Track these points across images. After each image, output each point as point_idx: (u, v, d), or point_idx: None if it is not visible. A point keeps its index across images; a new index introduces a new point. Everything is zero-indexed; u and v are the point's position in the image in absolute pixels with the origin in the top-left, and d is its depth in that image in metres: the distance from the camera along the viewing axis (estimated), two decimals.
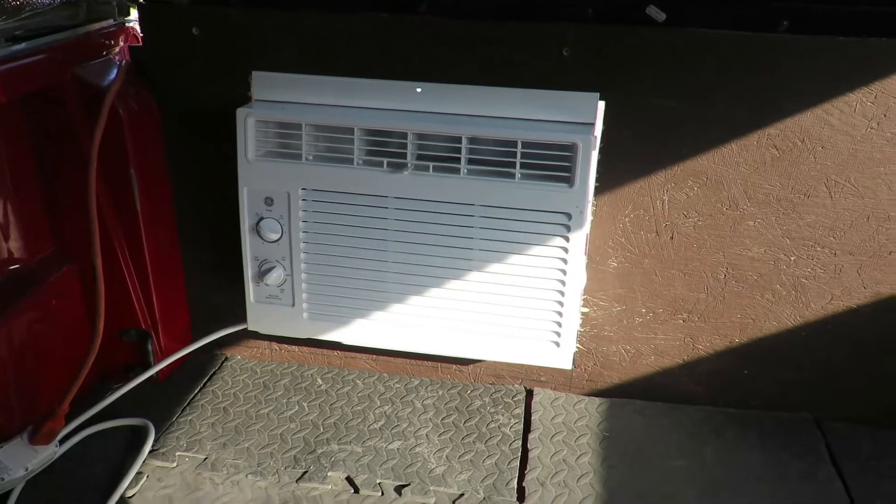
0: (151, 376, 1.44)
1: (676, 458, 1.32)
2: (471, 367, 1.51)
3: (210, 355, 1.57)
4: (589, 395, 1.49)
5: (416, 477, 1.27)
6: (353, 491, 1.24)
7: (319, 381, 1.51)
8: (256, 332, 1.44)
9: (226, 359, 1.57)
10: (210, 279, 1.51)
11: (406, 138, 1.21)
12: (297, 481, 1.25)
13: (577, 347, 1.44)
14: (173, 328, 1.49)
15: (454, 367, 1.52)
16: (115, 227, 1.35)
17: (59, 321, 1.32)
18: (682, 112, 1.24)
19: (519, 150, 1.19)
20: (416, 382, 1.51)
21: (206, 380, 1.50)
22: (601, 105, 1.22)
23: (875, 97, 1.17)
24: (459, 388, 1.49)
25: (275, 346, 1.57)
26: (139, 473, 1.25)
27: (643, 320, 1.42)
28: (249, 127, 1.24)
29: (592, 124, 1.19)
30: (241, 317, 1.40)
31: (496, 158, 1.21)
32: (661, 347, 1.43)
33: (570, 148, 1.17)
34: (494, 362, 1.49)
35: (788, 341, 1.38)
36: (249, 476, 1.26)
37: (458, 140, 1.21)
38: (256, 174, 1.27)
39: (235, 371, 1.53)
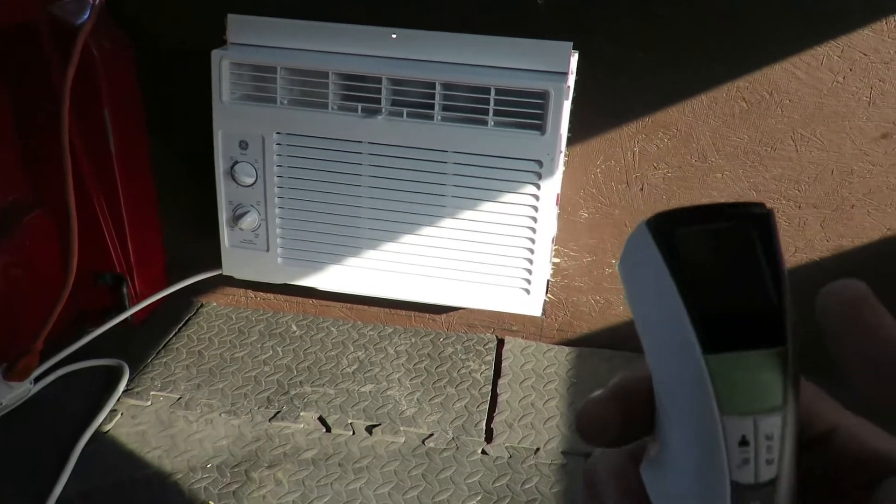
0: (126, 321, 1.45)
1: None
2: (444, 316, 1.54)
3: (185, 301, 1.58)
4: (559, 344, 1.52)
5: (387, 418, 1.30)
6: (324, 430, 1.27)
7: (294, 327, 1.53)
8: (232, 279, 1.45)
9: (201, 305, 1.59)
10: (185, 224, 1.52)
11: (381, 83, 1.22)
12: (269, 420, 1.28)
13: (548, 298, 1.47)
14: (148, 273, 1.50)
15: (427, 316, 1.54)
16: (88, 169, 1.35)
17: (32, 263, 1.33)
18: (655, 63, 1.25)
19: (492, 97, 1.20)
20: (390, 330, 1.53)
21: (181, 325, 1.52)
22: (575, 54, 1.23)
23: (841, 51, 1.19)
24: (432, 336, 1.52)
25: (250, 293, 1.58)
26: (113, 411, 1.27)
27: (613, 271, 1.44)
28: (224, 69, 1.24)
29: (565, 73, 1.20)
30: (217, 263, 1.42)
31: (470, 105, 1.23)
32: None
33: (543, 95, 1.19)
34: (467, 312, 1.52)
35: None
36: (223, 415, 1.28)
37: (433, 86, 1.22)
38: (231, 117, 1.27)
39: (211, 317, 1.55)
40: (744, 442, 0.23)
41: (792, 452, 0.24)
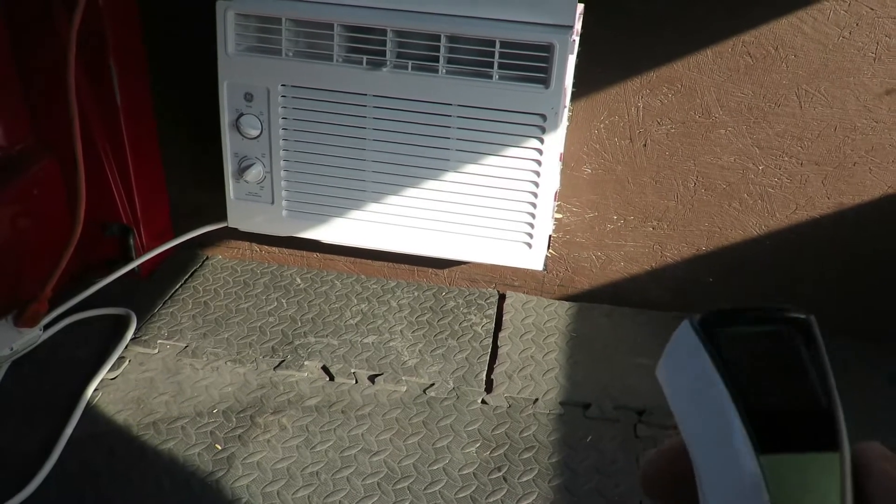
0: (133, 272, 1.47)
1: (639, 357, 1.38)
2: (446, 271, 1.55)
3: (191, 254, 1.60)
4: (559, 299, 1.54)
5: (390, 368, 1.32)
6: (328, 379, 1.30)
7: (298, 280, 1.55)
8: (237, 232, 1.47)
9: (207, 258, 1.60)
10: (191, 177, 1.53)
11: (385, 35, 1.22)
12: (274, 369, 1.30)
13: (550, 253, 1.49)
14: (155, 225, 1.51)
15: (430, 270, 1.56)
16: (95, 120, 1.36)
17: (40, 212, 1.34)
18: (660, 17, 1.25)
19: (497, 49, 1.20)
20: (393, 284, 1.55)
21: (187, 276, 1.54)
22: (580, 7, 1.23)
23: (848, 5, 1.18)
24: (434, 291, 1.54)
25: (255, 246, 1.60)
26: (121, 358, 1.30)
27: (614, 227, 1.46)
28: (229, 20, 1.24)
29: (571, 27, 1.20)
30: (222, 215, 1.43)
31: (475, 58, 1.23)
32: (631, 254, 1.48)
33: (548, 48, 1.19)
34: (469, 267, 1.53)
35: (752, 250, 1.43)
36: (229, 363, 1.31)
37: (438, 38, 1.22)
38: (236, 69, 1.28)
39: (216, 269, 1.57)
40: None
41: None
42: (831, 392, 0.25)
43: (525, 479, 1.12)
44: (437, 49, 1.22)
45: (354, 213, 1.37)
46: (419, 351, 1.37)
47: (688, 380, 0.26)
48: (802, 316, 0.26)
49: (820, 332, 0.26)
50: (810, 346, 0.25)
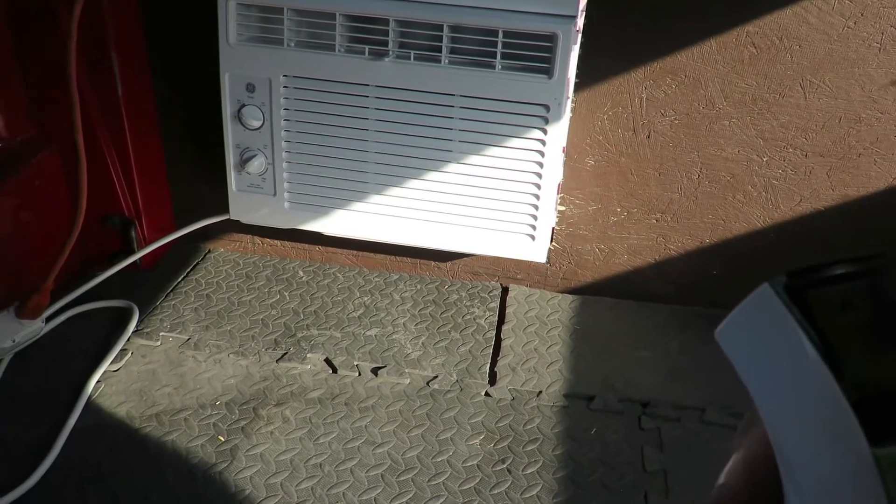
0: (135, 265, 1.47)
1: (642, 350, 1.37)
2: (448, 263, 1.55)
3: (193, 247, 1.59)
4: (563, 292, 1.54)
5: (393, 360, 1.32)
6: (331, 371, 1.29)
7: (301, 273, 1.54)
8: (239, 225, 1.46)
9: (209, 251, 1.60)
10: (192, 169, 1.52)
11: (388, 25, 1.22)
12: (277, 361, 1.30)
13: (553, 246, 1.48)
14: (157, 217, 1.51)
15: (433, 263, 1.55)
16: (96, 113, 1.35)
17: (42, 203, 1.34)
18: (664, 6, 1.24)
19: (500, 39, 1.20)
20: (396, 277, 1.55)
21: (189, 269, 1.53)
22: None
23: None
24: (437, 284, 1.53)
25: (257, 239, 1.59)
26: (123, 350, 1.30)
27: (618, 219, 1.45)
28: (231, 10, 1.24)
29: (574, 16, 1.19)
30: (224, 208, 1.43)
31: (477, 48, 1.22)
32: (634, 247, 1.47)
33: (551, 38, 1.18)
34: (471, 260, 1.53)
35: (756, 242, 1.42)
36: (231, 355, 1.30)
37: (440, 28, 1.21)
38: (238, 59, 1.27)
39: (218, 262, 1.56)
40: None
41: None
42: None
43: (529, 471, 1.12)
44: (440, 39, 1.21)
45: (357, 205, 1.36)
46: (422, 343, 1.36)
47: (772, 354, 0.22)
48: (888, 262, 0.22)
49: None
50: None
